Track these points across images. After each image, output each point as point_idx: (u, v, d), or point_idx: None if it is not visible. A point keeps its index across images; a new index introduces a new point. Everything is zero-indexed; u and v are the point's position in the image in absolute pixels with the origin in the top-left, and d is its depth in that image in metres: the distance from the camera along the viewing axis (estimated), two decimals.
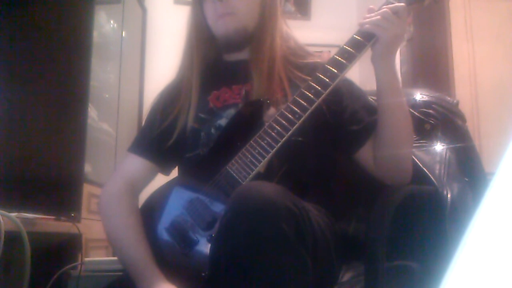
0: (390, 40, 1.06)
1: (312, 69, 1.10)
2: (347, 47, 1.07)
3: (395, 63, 1.12)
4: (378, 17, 1.05)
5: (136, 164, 1.20)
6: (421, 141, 1.22)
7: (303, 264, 0.81)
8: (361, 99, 1.19)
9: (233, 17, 1.14)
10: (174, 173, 1.25)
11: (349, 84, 1.20)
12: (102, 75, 2.78)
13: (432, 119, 1.26)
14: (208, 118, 1.14)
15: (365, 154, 1.14)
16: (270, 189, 0.83)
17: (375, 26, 1.05)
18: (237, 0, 1.14)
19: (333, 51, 4.24)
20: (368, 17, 1.07)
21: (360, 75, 2.54)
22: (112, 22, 2.94)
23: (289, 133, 1.00)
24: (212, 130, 1.12)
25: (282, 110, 1.03)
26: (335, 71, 1.04)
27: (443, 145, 1.21)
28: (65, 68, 2.04)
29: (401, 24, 1.06)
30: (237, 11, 1.14)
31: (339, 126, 1.14)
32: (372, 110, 1.15)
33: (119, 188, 1.16)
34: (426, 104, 1.29)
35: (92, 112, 2.36)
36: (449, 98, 1.37)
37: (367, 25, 1.06)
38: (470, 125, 1.35)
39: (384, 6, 1.07)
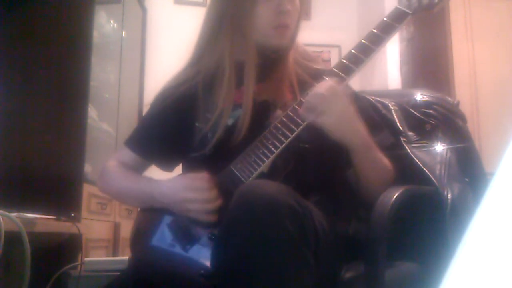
0: (332, 126, 1.02)
1: (321, 74, 1.10)
2: (354, 52, 1.07)
3: (355, 123, 1.06)
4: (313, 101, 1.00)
5: (131, 159, 1.22)
6: (422, 142, 1.22)
7: (305, 263, 0.81)
8: (364, 113, 1.18)
9: (288, 30, 1.14)
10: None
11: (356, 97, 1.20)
12: (102, 75, 2.78)
13: (432, 119, 1.26)
14: (215, 118, 1.14)
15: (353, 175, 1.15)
16: (273, 188, 0.83)
17: (309, 113, 1.00)
18: (293, 14, 1.14)
19: (333, 51, 4.25)
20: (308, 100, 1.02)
21: (361, 75, 2.54)
22: (112, 22, 2.94)
23: (294, 134, 1.00)
24: (219, 130, 1.12)
25: (288, 111, 1.03)
26: (343, 74, 1.04)
27: (444, 146, 1.21)
28: (65, 68, 2.04)
29: (337, 106, 1.00)
30: (291, 25, 1.14)
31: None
32: (375, 128, 1.14)
33: (116, 164, 1.22)
34: (426, 104, 1.29)
35: (92, 112, 2.36)
36: (449, 99, 1.36)
37: (305, 113, 1.01)
38: (470, 125, 1.35)
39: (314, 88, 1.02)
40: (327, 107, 1.00)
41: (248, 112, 1.08)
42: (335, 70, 1.06)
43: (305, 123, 1.01)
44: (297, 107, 1.03)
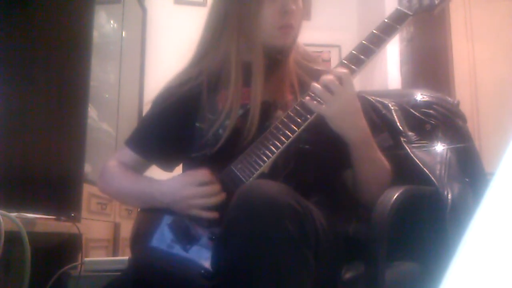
0: (335, 115, 1.02)
1: (321, 75, 1.10)
2: (355, 53, 1.06)
3: (358, 117, 1.06)
4: (320, 89, 1.00)
5: (131, 159, 1.22)
6: (422, 142, 1.22)
7: (305, 263, 0.81)
8: (364, 114, 1.18)
9: (292, 30, 1.14)
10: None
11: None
12: (102, 75, 2.78)
13: (432, 119, 1.26)
14: (216, 119, 1.14)
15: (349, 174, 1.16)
16: (274, 188, 0.83)
17: (314, 104, 1.01)
18: (297, 14, 1.14)
19: (333, 51, 4.24)
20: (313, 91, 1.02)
21: (361, 75, 2.54)
22: (112, 22, 2.94)
23: (295, 135, 1.00)
24: (220, 131, 1.12)
25: (289, 112, 1.03)
26: None
27: (444, 146, 1.21)
28: (65, 68, 2.04)
29: (344, 95, 1.01)
30: (295, 25, 1.15)
31: (340, 139, 1.14)
32: (374, 129, 1.14)
33: (116, 164, 1.22)
34: (426, 104, 1.29)
35: (92, 112, 2.36)
36: (449, 99, 1.36)
37: (308, 102, 1.02)
38: (470, 125, 1.35)
39: (324, 77, 1.03)
40: (332, 97, 1.00)
41: (257, 113, 1.08)
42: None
43: (305, 123, 1.01)
44: (298, 108, 1.03)
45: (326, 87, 1.01)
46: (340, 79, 1.01)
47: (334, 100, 1.01)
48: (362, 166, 1.10)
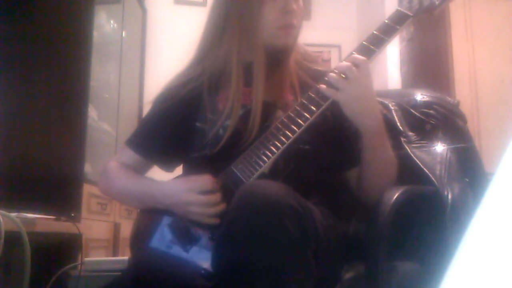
0: (351, 102, 1.02)
1: (322, 75, 1.10)
2: (355, 53, 1.06)
3: (373, 104, 1.06)
4: (334, 75, 1.01)
5: (132, 159, 1.22)
6: (422, 142, 1.22)
7: (306, 263, 0.81)
8: None
9: (293, 30, 1.14)
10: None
11: None
12: (102, 75, 2.78)
13: (432, 119, 1.26)
14: (217, 119, 1.14)
15: (353, 175, 1.16)
16: (275, 188, 0.83)
17: (330, 90, 1.02)
18: (298, 13, 1.14)
19: (333, 51, 4.23)
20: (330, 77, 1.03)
21: None
22: (112, 22, 2.94)
23: (295, 135, 1.00)
24: (220, 131, 1.12)
25: (289, 112, 1.03)
26: (344, 76, 1.04)
27: (444, 146, 1.21)
28: (65, 68, 2.04)
29: (360, 81, 1.01)
30: (296, 25, 1.15)
31: (341, 140, 1.14)
32: None
33: (117, 165, 1.21)
34: (426, 104, 1.29)
35: (92, 112, 2.36)
36: (449, 99, 1.36)
37: (323, 88, 1.02)
38: (470, 125, 1.35)
39: (343, 61, 1.03)
40: (348, 83, 1.00)
41: (259, 113, 1.08)
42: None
43: (306, 123, 1.01)
44: (298, 108, 1.03)
45: (342, 73, 1.01)
46: (356, 65, 1.01)
47: (350, 86, 1.00)
48: (374, 156, 1.09)
